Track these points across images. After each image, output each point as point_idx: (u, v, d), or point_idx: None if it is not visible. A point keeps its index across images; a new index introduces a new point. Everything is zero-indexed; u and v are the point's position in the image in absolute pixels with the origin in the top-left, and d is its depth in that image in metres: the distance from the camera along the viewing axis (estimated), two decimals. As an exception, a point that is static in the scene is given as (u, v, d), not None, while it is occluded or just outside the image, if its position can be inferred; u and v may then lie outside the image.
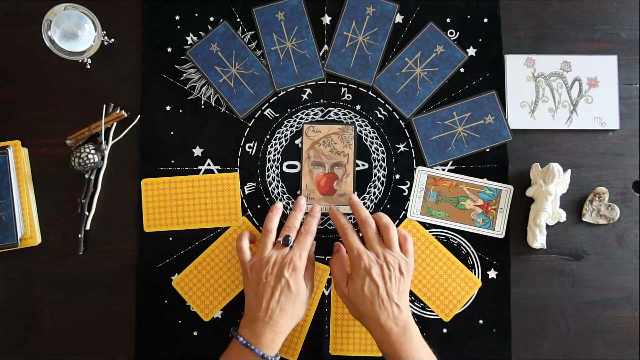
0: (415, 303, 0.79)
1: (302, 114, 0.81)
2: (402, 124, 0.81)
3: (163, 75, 0.81)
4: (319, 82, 0.81)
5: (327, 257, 0.79)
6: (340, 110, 0.81)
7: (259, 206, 0.80)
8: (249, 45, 0.82)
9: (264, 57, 0.82)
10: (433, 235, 0.80)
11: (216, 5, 0.82)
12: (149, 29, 0.82)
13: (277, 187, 0.81)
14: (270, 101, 0.81)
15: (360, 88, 0.81)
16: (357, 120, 0.81)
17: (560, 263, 0.80)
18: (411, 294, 0.79)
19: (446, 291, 0.79)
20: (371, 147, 0.81)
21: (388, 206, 0.80)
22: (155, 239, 0.80)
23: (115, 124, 0.81)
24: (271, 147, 0.81)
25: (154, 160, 0.81)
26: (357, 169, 0.80)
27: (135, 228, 0.80)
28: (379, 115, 0.81)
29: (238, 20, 0.82)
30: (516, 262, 0.80)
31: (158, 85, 0.81)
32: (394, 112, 0.81)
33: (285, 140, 0.81)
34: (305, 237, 0.74)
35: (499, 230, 0.80)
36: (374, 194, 0.80)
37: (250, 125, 0.81)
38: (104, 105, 0.80)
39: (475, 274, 0.79)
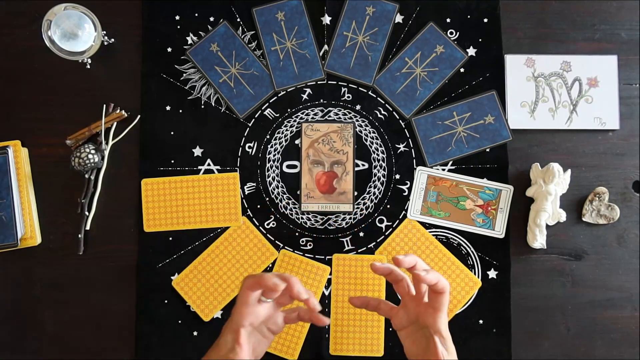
0: (415, 303, 0.79)
1: (302, 114, 0.81)
2: (402, 124, 0.81)
3: (163, 75, 0.81)
4: (319, 82, 0.81)
5: (328, 257, 0.79)
6: (340, 110, 0.81)
7: (259, 206, 0.80)
8: (249, 45, 0.82)
9: (264, 57, 0.82)
10: (433, 235, 0.80)
11: (216, 5, 0.82)
12: (149, 29, 0.82)
13: (277, 187, 0.81)
14: (270, 101, 0.81)
15: (360, 88, 0.81)
16: (357, 120, 0.81)
17: (560, 263, 0.80)
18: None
19: (446, 291, 0.79)
20: (371, 147, 0.81)
21: (388, 206, 0.80)
22: (155, 239, 0.80)
23: (115, 124, 0.81)
24: (271, 147, 0.81)
25: (154, 160, 0.81)
26: (357, 169, 0.80)
27: (135, 228, 0.80)
28: (379, 115, 0.81)
29: (238, 20, 0.82)
30: (516, 262, 0.79)
31: (158, 85, 0.81)
32: (394, 112, 0.81)
33: (285, 140, 0.81)
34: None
35: (499, 230, 0.80)
36: (374, 194, 0.80)
37: (250, 125, 0.81)
38: (104, 105, 0.80)
39: (475, 274, 0.79)
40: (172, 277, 0.80)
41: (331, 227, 0.80)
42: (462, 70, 0.81)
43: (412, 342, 0.65)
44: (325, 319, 0.64)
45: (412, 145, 0.81)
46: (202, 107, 0.81)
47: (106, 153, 0.80)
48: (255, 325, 0.64)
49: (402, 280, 0.65)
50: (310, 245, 0.80)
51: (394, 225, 0.80)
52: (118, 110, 0.80)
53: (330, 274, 0.79)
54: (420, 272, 0.61)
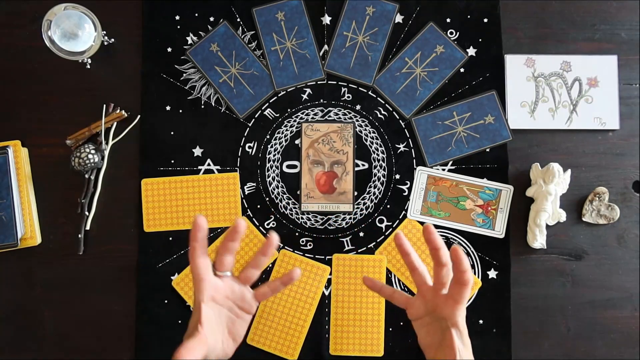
0: (415, 303, 0.79)
1: (302, 114, 0.81)
2: (402, 124, 0.81)
3: (163, 75, 0.81)
4: (319, 82, 0.81)
5: (328, 257, 0.79)
6: (340, 110, 0.81)
7: (259, 206, 0.80)
8: (249, 45, 0.82)
9: (264, 57, 0.82)
10: (433, 235, 0.80)
11: (216, 5, 0.82)
12: (149, 29, 0.82)
13: (277, 187, 0.81)
14: (270, 101, 0.81)
15: (360, 88, 0.81)
16: (357, 120, 0.81)
17: (560, 263, 0.80)
18: (410, 293, 0.79)
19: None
20: (371, 147, 0.81)
21: (388, 206, 0.80)
22: (155, 239, 0.80)
23: (115, 124, 0.81)
24: (271, 147, 0.81)
25: (154, 160, 0.81)
26: (357, 169, 0.80)
27: (135, 228, 0.80)
28: (379, 115, 0.81)
29: (238, 20, 0.82)
30: (516, 262, 0.79)
31: (158, 85, 0.81)
32: (394, 112, 0.81)
33: (285, 140, 0.81)
34: None
35: (499, 230, 0.80)
36: (374, 194, 0.80)
37: (250, 125, 0.81)
38: (104, 105, 0.80)
39: (475, 274, 0.79)
40: (172, 277, 0.80)
41: (331, 227, 0.80)
42: (462, 70, 0.81)
43: (426, 333, 0.65)
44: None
45: (412, 145, 0.81)
46: (202, 107, 0.81)
47: (106, 153, 0.80)
48: (219, 301, 0.62)
49: (417, 269, 0.65)
50: (310, 245, 0.80)
51: (394, 225, 0.80)
52: (118, 110, 0.80)
53: (330, 274, 0.79)
54: (460, 254, 0.60)
